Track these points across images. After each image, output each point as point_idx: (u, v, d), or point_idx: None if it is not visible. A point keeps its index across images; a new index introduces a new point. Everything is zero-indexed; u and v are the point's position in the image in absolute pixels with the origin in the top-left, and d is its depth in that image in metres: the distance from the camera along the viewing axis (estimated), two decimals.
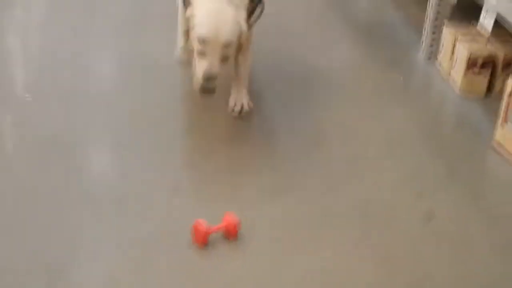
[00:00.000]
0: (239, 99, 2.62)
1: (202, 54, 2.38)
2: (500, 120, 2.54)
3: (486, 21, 2.69)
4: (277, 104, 2.75)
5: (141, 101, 2.69)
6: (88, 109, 2.63)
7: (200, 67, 2.39)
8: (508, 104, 2.51)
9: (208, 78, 2.36)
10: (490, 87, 2.91)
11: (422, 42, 3.20)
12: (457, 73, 2.94)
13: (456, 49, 2.96)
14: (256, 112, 2.64)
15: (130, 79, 2.88)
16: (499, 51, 2.89)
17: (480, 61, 2.88)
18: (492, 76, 2.90)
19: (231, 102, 2.63)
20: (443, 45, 3.08)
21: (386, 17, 3.65)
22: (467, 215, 2.18)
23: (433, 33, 3.15)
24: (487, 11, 2.68)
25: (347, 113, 2.72)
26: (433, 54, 3.16)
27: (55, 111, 2.60)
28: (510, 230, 2.13)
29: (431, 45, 3.15)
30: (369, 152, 2.48)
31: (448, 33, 3.04)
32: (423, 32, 3.19)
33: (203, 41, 2.36)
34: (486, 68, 2.89)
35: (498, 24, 2.61)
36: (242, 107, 2.61)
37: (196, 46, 2.40)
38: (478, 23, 2.76)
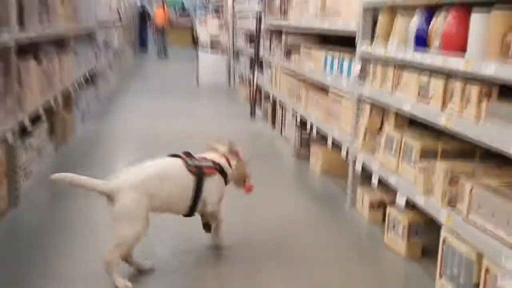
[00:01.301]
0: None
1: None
2: (385, 230, 4.73)
3: (374, 180, 4.98)
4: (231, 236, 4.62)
5: None
6: None
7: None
8: (388, 220, 4.71)
9: None
10: (384, 217, 5.13)
11: (347, 197, 5.49)
12: (366, 212, 5.18)
13: (363, 199, 5.23)
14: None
15: None
16: (387, 197, 5.15)
17: (376, 204, 5.13)
18: (384, 211, 5.13)
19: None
20: (358, 198, 5.35)
21: (326, 186, 6.02)
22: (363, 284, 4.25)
23: (352, 192, 5.44)
24: (374, 175, 4.98)
25: (297, 242, 4.84)
26: (353, 203, 5.43)
27: None
28: None
29: (352, 198, 5.43)
30: (310, 258, 4.58)
31: (360, 192, 5.33)
32: (347, 191, 5.49)
33: None
34: (380, 207, 5.14)
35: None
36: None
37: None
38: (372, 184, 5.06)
